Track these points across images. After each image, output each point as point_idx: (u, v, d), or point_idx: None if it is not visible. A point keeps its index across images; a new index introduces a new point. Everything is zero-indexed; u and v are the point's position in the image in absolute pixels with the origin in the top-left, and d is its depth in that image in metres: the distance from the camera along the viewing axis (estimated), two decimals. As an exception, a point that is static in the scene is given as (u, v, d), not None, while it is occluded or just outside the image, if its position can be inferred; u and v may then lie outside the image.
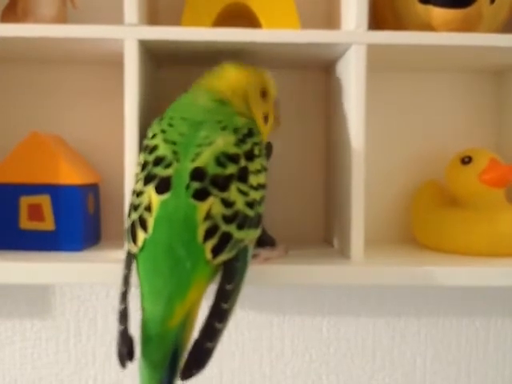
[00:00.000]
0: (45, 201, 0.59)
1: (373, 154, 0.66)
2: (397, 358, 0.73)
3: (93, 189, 0.64)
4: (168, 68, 0.68)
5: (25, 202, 0.59)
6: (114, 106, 0.66)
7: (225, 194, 0.48)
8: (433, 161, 0.70)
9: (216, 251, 0.47)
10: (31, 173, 0.59)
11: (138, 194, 0.49)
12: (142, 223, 0.48)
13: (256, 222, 0.50)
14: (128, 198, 0.54)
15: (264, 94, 0.57)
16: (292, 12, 0.60)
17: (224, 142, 0.49)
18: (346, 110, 0.58)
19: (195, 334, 0.46)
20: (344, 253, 0.59)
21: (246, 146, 0.50)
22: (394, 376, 0.73)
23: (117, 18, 0.56)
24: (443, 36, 0.57)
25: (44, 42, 0.56)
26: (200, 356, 0.45)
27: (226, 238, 0.47)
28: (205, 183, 0.47)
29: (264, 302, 0.71)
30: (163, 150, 0.49)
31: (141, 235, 0.47)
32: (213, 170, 0.48)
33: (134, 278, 0.48)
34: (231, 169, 0.48)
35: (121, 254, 0.52)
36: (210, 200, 0.47)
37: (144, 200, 0.48)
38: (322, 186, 0.70)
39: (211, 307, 0.46)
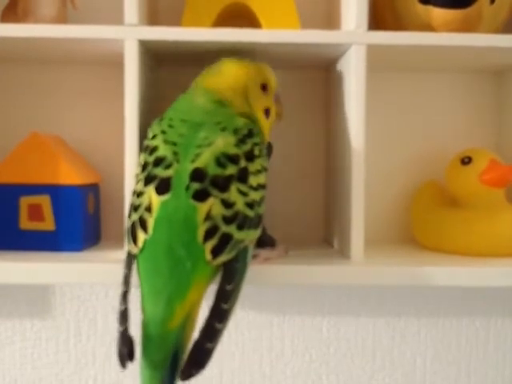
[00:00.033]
0: (45, 201, 0.59)
1: (373, 154, 0.66)
2: (397, 358, 0.73)
3: (93, 189, 0.64)
4: (168, 68, 0.68)
5: (25, 202, 0.59)
6: (114, 107, 0.66)
7: (225, 195, 0.48)
8: (433, 161, 0.70)
9: (216, 252, 0.47)
10: (31, 173, 0.59)
11: (138, 194, 0.49)
12: (142, 224, 0.48)
13: (256, 222, 0.50)
14: (128, 199, 0.54)
15: (264, 87, 0.56)
16: (292, 12, 0.60)
17: (224, 142, 0.49)
18: (346, 110, 0.58)
19: (195, 334, 0.46)
20: (344, 253, 0.59)
21: (246, 147, 0.50)
22: (393, 376, 0.73)
23: (117, 18, 0.56)
24: (443, 36, 0.57)
25: (44, 42, 0.56)
26: (200, 356, 0.45)
27: (225, 239, 0.47)
28: (205, 184, 0.47)
29: (264, 302, 0.72)
30: (163, 151, 0.49)
31: (141, 236, 0.48)
32: (213, 170, 0.48)
33: (135, 279, 0.48)
34: (231, 169, 0.48)
35: (121, 254, 0.52)
36: (210, 201, 0.47)
37: (144, 201, 0.48)
38: (322, 186, 0.70)
39: (211, 308, 0.46)
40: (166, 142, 0.50)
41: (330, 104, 0.67)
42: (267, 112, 0.56)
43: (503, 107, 0.70)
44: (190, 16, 0.59)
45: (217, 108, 0.53)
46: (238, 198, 0.48)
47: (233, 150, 0.49)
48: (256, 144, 0.51)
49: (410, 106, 0.70)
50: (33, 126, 0.66)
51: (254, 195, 0.49)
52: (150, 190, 0.48)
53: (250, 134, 0.51)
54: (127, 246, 0.49)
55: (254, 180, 0.50)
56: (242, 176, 0.49)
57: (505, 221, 0.61)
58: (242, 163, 0.49)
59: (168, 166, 0.48)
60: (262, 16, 0.60)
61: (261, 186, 0.51)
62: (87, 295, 0.71)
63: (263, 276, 0.54)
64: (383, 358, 0.73)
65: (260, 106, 0.56)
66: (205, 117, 0.52)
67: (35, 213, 0.59)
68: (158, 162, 0.49)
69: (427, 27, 0.60)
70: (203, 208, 0.47)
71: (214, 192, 0.47)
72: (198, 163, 0.48)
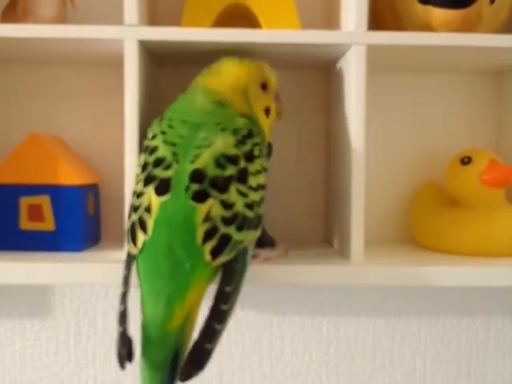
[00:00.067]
0: (45, 201, 0.59)
1: (373, 154, 0.66)
2: (397, 358, 0.73)
3: (93, 189, 0.64)
4: (168, 68, 0.67)
5: (25, 202, 0.59)
6: (113, 107, 0.66)
7: (224, 196, 0.48)
8: (433, 161, 0.70)
9: (215, 253, 0.47)
10: (31, 173, 0.59)
11: (138, 195, 0.49)
12: (142, 225, 0.48)
13: (256, 223, 0.50)
14: (128, 199, 0.54)
15: (264, 86, 0.56)
16: (292, 12, 0.60)
17: (223, 143, 0.49)
18: (346, 110, 0.58)
19: (195, 334, 0.46)
20: (344, 253, 0.59)
21: (246, 147, 0.50)
22: (393, 376, 0.73)
23: (117, 18, 0.56)
24: (443, 36, 0.57)
25: (44, 42, 0.56)
26: (199, 357, 0.45)
27: (225, 240, 0.47)
28: (204, 185, 0.47)
29: (264, 302, 0.72)
30: (163, 152, 0.49)
31: (140, 237, 0.48)
32: (212, 171, 0.48)
33: (134, 279, 0.48)
34: (230, 170, 0.48)
35: (121, 255, 0.52)
36: (210, 202, 0.47)
37: (144, 201, 0.48)
38: (322, 186, 0.70)
39: (211, 308, 0.46)
40: (165, 142, 0.50)
41: (330, 104, 0.67)
42: (267, 111, 0.56)
43: (503, 107, 0.70)
44: (190, 16, 0.59)
45: (216, 108, 0.53)
46: (237, 198, 0.48)
47: (232, 151, 0.49)
48: (256, 144, 0.51)
49: (410, 106, 0.70)
50: (33, 127, 0.66)
51: (254, 196, 0.49)
52: (150, 191, 0.48)
53: (250, 135, 0.51)
54: (127, 247, 0.49)
55: (253, 180, 0.50)
56: (242, 177, 0.49)
57: (505, 221, 0.61)
58: (242, 164, 0.49)
59: (168, 167, 0.48)
60: (261, 16, 0.60)
61: (260, 187, 0.51)
62: (87, 295, 0.71)
63: (263, 276, 0.54)
64: (383, 358, 0.73)
65: (260, 105, 0.55)
66: (204, 117, 0.52)
67: (35, 213, 0.59)
68: (158, 162, 0.49)
69: (427, 27, 0.60)
70: (203, 209, 0.47)
71: (214, 193, 0.47)
72: (198, 164, 0.48)
